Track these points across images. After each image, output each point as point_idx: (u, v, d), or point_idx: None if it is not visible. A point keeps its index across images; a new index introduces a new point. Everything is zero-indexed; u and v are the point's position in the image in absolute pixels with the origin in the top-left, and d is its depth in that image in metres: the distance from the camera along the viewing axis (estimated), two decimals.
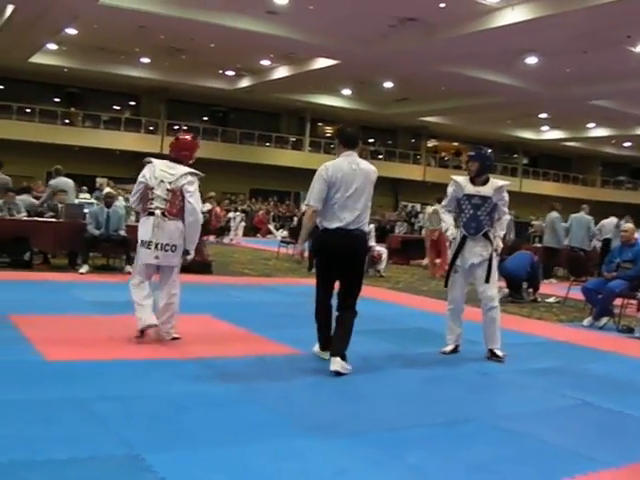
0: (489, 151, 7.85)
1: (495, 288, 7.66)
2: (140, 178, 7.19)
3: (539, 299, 13.03)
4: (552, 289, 14.31)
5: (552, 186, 49.41)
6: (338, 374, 6.08)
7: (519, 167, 49.83)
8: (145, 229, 7.05)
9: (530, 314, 11.35)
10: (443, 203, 7.98)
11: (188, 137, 7.57)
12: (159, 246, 6.96)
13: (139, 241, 7.11)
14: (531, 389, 6.35)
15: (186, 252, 7.11)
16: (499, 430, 4.95)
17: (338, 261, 6.44)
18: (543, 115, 38.43)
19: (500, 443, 4.69)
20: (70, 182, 15.57)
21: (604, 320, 10.39)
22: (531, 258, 13.18)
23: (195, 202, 7.02)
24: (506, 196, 7.59)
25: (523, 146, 48.80)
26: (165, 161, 7.19)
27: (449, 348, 7.54)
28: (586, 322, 10.49)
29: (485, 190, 7.51)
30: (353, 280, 6.51)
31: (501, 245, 7.67)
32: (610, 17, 18.76)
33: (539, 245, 18.96)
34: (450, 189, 7.76)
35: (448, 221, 7.78)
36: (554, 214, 17.11)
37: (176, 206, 6.96)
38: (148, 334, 7.12)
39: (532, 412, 5.52)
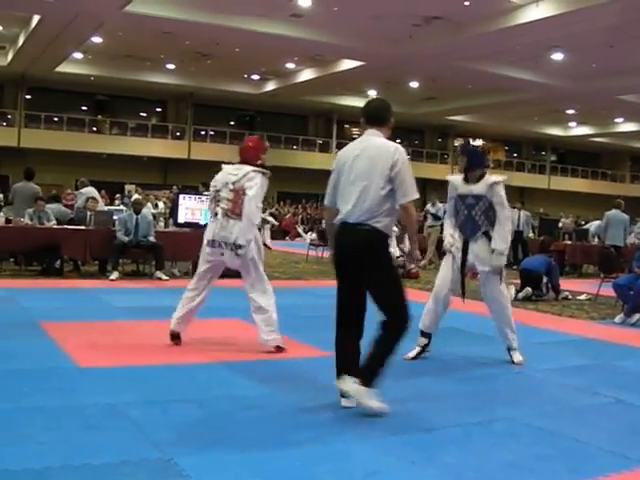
0: (478, 144, 7.43)
1: (501, 290, 7.13)
2: (212, 183, 7.19)
3: (570, 296, 12.93)
4: (585, 287, 14.20)
5: (581, 182, 49.08)
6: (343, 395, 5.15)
7: (547, 164, 49.54)
8: (209, 229, 7.09)
9: (561, 312, 11.27)
10: (446, 208, 7.46)
11: (253, 138, 7.55)
12: (223, 244, 6.95)
13: (204, 241, 7.15)
14: (564, 387, 6.31)
15: (237, 246, 6.91)
16: (532, 428, 4.92)
17: (346, 264, 5.25)
18: (570, 111, 38.16)
19: (534, 442, 4.66)
20: (93, 190, 15.75)
21: (636, 317, 10.28)
22: (548, 261, 13.09)
23: (251, 195, 6.84)
24: (501, 192, 6.85)
25: (551, 143, 48.48)
26: (235, 165, 7.17)
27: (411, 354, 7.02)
28: (618, 319, 10.39)
29: (478, 188, 6.87)
30: (374, 289, 5.19)
31: (501, 263, 6.88)
32: (636, 10, 18.60)
33: (569, 242, 18.84)
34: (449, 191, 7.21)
35: (446, 231, 7.23)
36: (615, 211, 16.66)
37: (239, 206, 6.88)
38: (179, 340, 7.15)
39: (565, 410, 5.48)
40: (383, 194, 5.10)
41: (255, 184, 6.91)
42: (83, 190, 15.78)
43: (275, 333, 7.01)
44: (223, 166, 7.31)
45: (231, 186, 6.93)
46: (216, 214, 7.00)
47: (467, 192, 6.93)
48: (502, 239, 6.79)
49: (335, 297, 5.31)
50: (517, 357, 7.05)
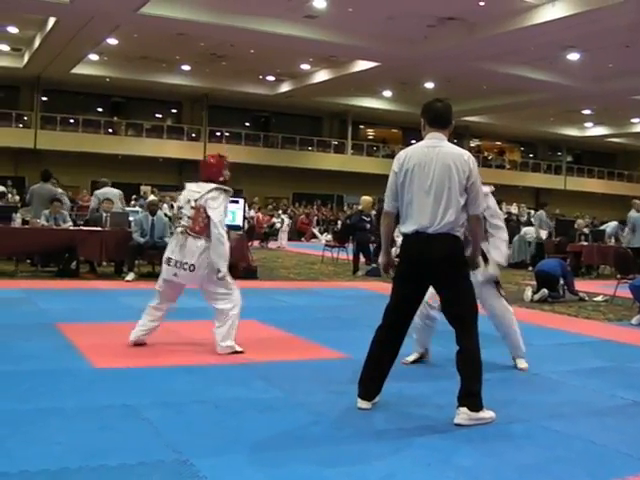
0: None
1: (502, 304, 6.95)
2: (176, 202, 7.25)
3: (586, 298, 12.88)
4: (601, 289, 14.15)
5: (597, 183, 48.91)
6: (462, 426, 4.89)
7: (563, 165, 49.37)
8: (169, 246, 7.09)
9: (578, 313, 11.23)
10: None
11: (214, 155, 7.32)
12: (178, 264, 6.91)
13: (163, 258, 7.12)
14: (580, 389, 6.28)
15: (217, 270, 6.90)
16: (549, 431, 4.89)
17: (419, 274, 5.07)
18: (586, 111, 38.05)
19: (550, 444, 4.63)
20: (116, 192, 15.74)
21: None
22: (562, 264, 13.06)
23: (215, 217, 6.78)
24: (491, 204, 6.63)
25: (567, 143, 48.33)
26: (198, 182, 7.13)
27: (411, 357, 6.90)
28: (635, 320, 10.33)
29: None
30: (453, 297, 5.11)
31: (496, 273, 6.68)
32: None
33: (585, 243, 18.76)
34: None
35: None
36: (634, 213, 16.57)
37: (199, 223, 6.85)
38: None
39: (582, 412, 5.45)
40: (462, 204, 4.99)
41: (219, 205, 6.85)
42: (99, 192, 15.81)
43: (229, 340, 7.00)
44: (186, 184, 7.25)
45: (193, 203, 6.89)
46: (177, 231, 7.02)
47: None
48: (496, 249, 6.63)
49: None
50: (522, 364, 6.90)
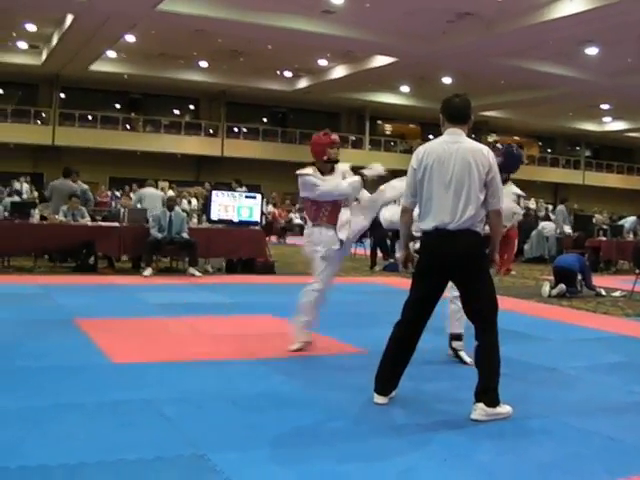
0: (521, 152, 7.20)
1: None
2: None
3: (604, 293, 12.82)
4: (619, 284, 14.09)
5: (616, 178, 48.64)
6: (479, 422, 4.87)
7: (582, 159, 49.12)
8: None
9: (596, 309, 11.17)
10: None
11: (318, 134, 7.12)
12: None
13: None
14: (598, 385, 6.25)
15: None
16: (567, 427, 4.87)
17: (440, 271, 5.06)
18: (605, 106, 37.84)
19: (569, 440, 4.62)
20: (156, 193, 15.89)
21: None
22: (580, 259, 13.01)
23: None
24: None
25: (585, 138, 48.07)
26: None
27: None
28: None
29: None
30: (473, 293, 5.09)
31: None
32: None
33: (604, 239, 18.69)
34: None
35: None
36: None
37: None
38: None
39: (600, 409, 5.42)
40: (482, 200, 4.99)
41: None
42: (140, 190, 16.15)
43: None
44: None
45: None
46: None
47: None
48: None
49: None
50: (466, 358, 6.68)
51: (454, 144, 5.03)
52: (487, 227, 5.27)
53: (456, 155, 4.98)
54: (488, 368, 4.97)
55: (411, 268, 5.29)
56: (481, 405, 4.87)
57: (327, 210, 6.78)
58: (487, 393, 4.90)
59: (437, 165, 4.99)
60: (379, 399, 5.15)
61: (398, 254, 6.08)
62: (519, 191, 6.98)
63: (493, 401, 4.90)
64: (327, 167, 6.88)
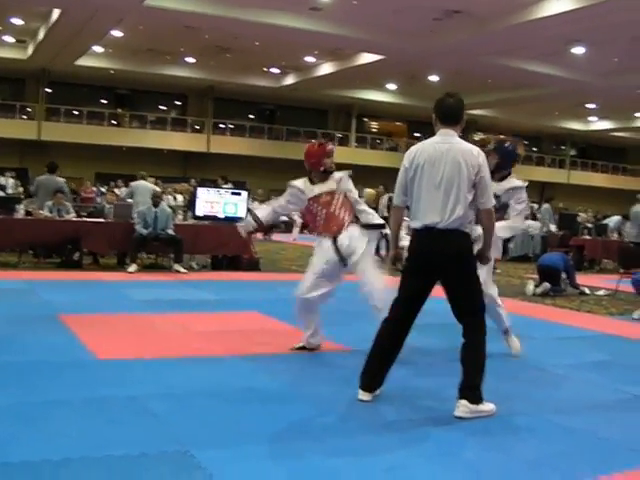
0: (514, 147, 7.32)
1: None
2: None
3: (588, 291, 12.88)
4: (603, 283, 14.15)
5: (602, 177, 48.79)
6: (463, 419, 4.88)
7: (567, 159, 49.27)
8: None
9: (580, 307, 11.22)
10: None
11: (312, 145, 7.24)
12: None
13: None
14: (583, 383, 6.29)
15: None
16: (553, 424, 4.90)
17: (429, 270, 5.07)
18: (591, 105, 37.92)
19: (554, 438, 4.64)
20: (148, 186, 15.79)
21: None
22: (564, 258, 13.08)
23: None
24: (520, 196, 6.85)
25: (571, 137, 48.21)
26: None
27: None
28: (637, 314, 10.32)
29: (497, 188, 6.59)
30: (462, 292, 5.12)
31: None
32: None
33: (588, 237, 18.76)
34: None
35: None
36: (638, 207, 16.48)
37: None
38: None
39: (585, 406, 5.46)
40: (470, 200, 5.01)
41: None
42: (133, 184, 15.94)
43: None
44: None
45: None
46: None
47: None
48: (501, 226, 6.55)
49: (398, 292, 5.18)
50: None
51: (445, 145, 5.08)
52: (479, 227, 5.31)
53: (447, 156, 5.01)
54: (474, 366, 4.99)
55: (400, 266, 5.30)
56: (464, 402, 4.88)
57: (322, 219, 6.78)
58: (471, 390, 4.92)
59: (428, 165, 5.03)
60: (364, 395, 5.15)
61: (383, 252, 6.10)
62: (520, 183, 7.00)
63: (477, 398, 4.92)
64: (321, 177, 6.87)
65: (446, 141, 5.10)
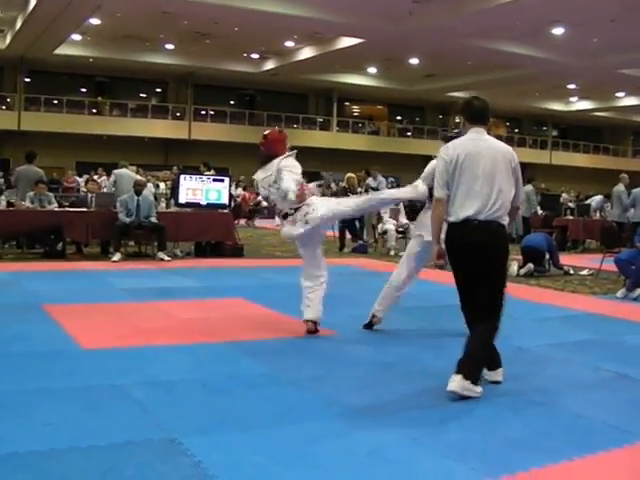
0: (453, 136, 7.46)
1: None
2: None
3: (571, 271, 12.95)
4: (587, 263, 14.22)
5: (583, 157, 48.98)
6: (455, 394, 4.95)
7: (549, 139, 49.42)
8: None
9: (563, 287, 11.28)
10: None
11: (272, 132, 7.52)
12: None
13: None
14: (565, 362, 6.32)
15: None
16: (535, 404, 4.94)
17: (471, 260, 5.17)
18: (572, 86, 38.04)
19: (537, 418, 4.68)
20: (131, 173, 15.77)
21: (638, 291, 10.26)
22: (547, 239, 13.14)
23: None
24: None
25: (552, 118, 48.35)
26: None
27: None
28: (620, 294, 10.39)
29: None
30: (488, 285, 5.20)
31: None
32: None
33: (571, 218, 18.84)
34: None
35: None
36: (620, 187, 16.65)
37: None
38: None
39: (567, 386, 5.50)
40: (506, 191, 5.20)
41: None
42: (116, 171, 15.88)
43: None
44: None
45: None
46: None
47: None
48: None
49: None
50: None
51: (481, 141, 5.28)
52: None
53: (486, 151, 5.23)
54: (478, 349, 5.13)
55: (444, 263, 5.33)
56: (460, 377, 4.93)
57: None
58: (471, 367, 5.02)
59: (468, 159, 5.19)
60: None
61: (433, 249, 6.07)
62: None
63: (474, 377, 5.01)
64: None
65: (481, 138, 5.31)
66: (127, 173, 15.67)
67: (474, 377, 5.00)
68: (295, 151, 7.13)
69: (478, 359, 5.11)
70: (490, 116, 5.58)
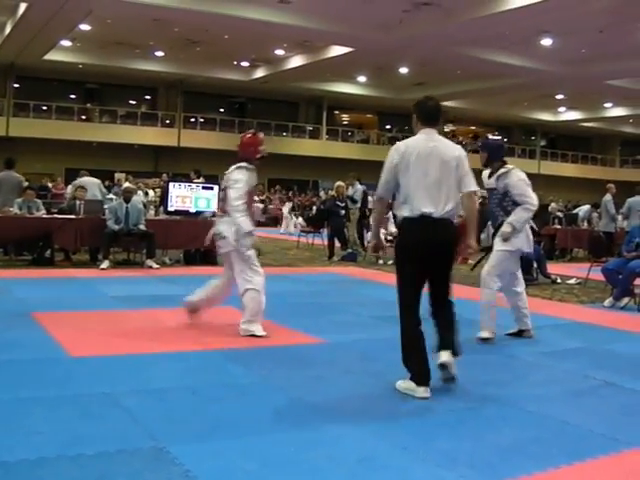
0: (497, 139, 7.72)
1: (487, 270, 7.57)
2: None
3: (559, 280, 12.99)
4: (574, 272, 14.27)
5: (571, 167, 49.22)
6: (444, 367, 5.25)
7: (537, 149, 49.59)
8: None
9: (551, 296, 11.32)
10: None
11: (246, 135, 7.79)
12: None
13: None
14: (554, 371, 6.35)
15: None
16: (524, 412, 4.96)
17: (426, 257, 5.25)
18: (560, 96, 38.23)
19: (526, 425, 4.70)
20: (96, 181, 15.79)
21: (625, 300, 10.33)
22: (535, 247, 13.15)
23: (231, 192, 7.18)
24: (510, 182, 7.36)
25: (541, 128, 48.60)
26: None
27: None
28: (607, 303, 10.43)
29: (490, 181, 7.52)
30: (444, 278, 5.44)
31: (507, 230, 7.30)
32: None
33: (559, 227, 18.89)
34: None
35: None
36: (607, 197, 16.77)
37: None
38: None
39: (555, 393, 5.52)
40: (455, 190, 5.36)
41: (236, 179, 7.30)
42: (76, 181, 15.91)
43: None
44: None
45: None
46: None
47: (487, 185, 7.55)
48: (515, 216, 7.34)
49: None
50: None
51: (433, 142, 5.39)
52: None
53: (436, 152, 5.34)
54: (452, 333, 5.41)
55: (381, 254, 5.60)
56: (449, 352, 5.28)
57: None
58: (453, 344, 5.35)
59: (417, 159, 5.29)
60: (425, 392, 5.20)
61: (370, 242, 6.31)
62: (510, 166, 7.55)
63: (456, 353, 5.36)
64: (255, 165, 7.52)
65: (433, 139, 5.41)
66: (89, 180, 15.77)
67: (456, 353, 5.37)
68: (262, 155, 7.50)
69: (455, 332, 5.42)
70: (441, 118, 5.67)
